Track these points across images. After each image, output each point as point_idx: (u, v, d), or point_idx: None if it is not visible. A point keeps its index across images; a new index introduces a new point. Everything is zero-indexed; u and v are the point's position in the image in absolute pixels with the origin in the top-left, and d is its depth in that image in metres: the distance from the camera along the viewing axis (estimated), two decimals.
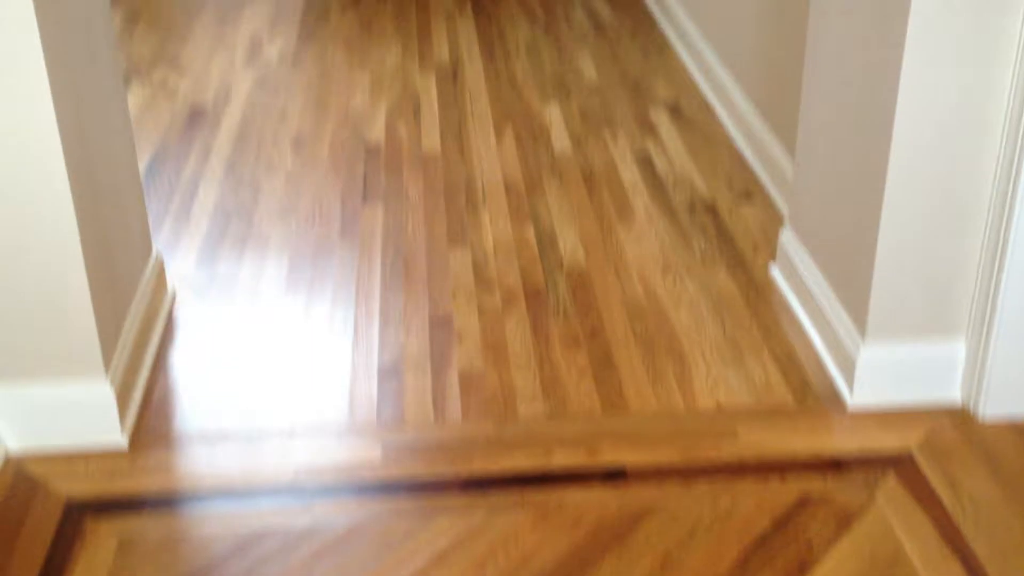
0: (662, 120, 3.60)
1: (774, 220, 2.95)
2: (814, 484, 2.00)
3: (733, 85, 3.51)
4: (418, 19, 4.53)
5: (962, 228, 2.06)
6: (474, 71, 4.01)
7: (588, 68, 4.04)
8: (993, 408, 2.14)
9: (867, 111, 2.09)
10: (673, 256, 2.78)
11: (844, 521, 1.90)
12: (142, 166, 3.25)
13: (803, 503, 1.95)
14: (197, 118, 3.61)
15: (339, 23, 4.47)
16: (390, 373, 2.34)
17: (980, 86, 1.93)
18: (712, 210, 3.01)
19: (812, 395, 2.25)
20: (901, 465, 2.04)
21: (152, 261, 2.50)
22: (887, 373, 2.18)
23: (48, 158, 1.87)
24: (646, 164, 3.29)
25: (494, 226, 2.94)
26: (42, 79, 1.81)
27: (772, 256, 2.75)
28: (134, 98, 3.73)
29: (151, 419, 2.19)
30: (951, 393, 2.20)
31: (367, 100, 3.75)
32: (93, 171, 2.06)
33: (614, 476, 2.03)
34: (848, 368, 2.21)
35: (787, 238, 2.58)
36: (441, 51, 4.20)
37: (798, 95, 2.78)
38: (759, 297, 2.60)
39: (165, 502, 1.97)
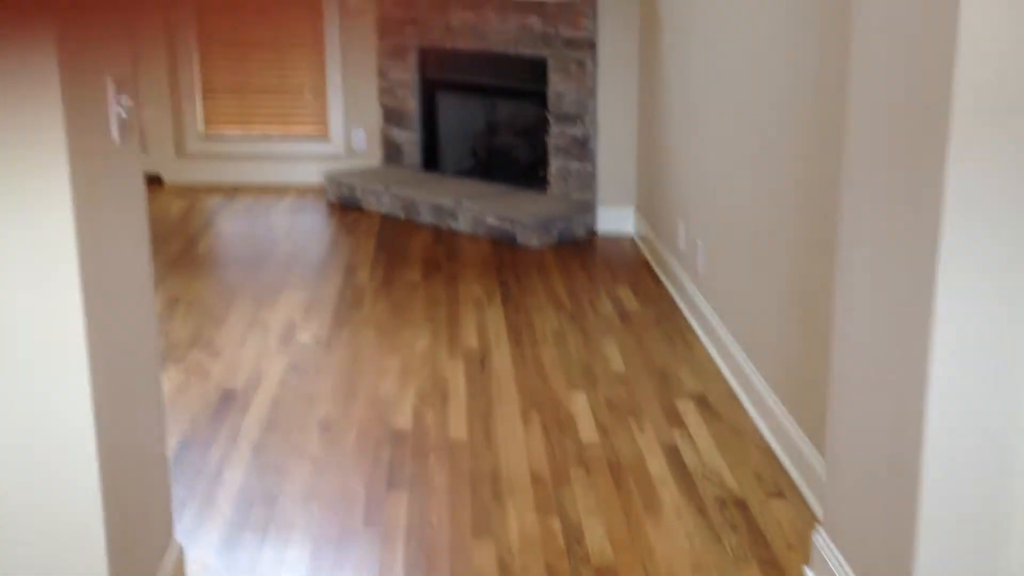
0: (689, 410, 3.61)
1: (806, 518, 2.89)
2: None
3: (758, 378, 3.54)
4: (448, 307, 4.65)
5: (1004, 536, 2.01)
6: (502, 358, 4.08)
7: (614, 356, 4.10)
8: None
9: (898, 415, 2.09)
10: (704, 554, 2.72)
11: None
12: (170, 449, 3.26)
13: None
14: (228, 401, 3.65)
15: (372, 309, 4.60)
16: None
17: (1010, 385, 1.94)
18: (743, 506, 2.97)
19: None
20: None
21: (171, 553, 2.46)
22: None
23: (79, 448, 1.88)
24: (674, 456, 3.27)
25: (519, 518, 2.90)
26: (83, 365, 1.85)
27: (806, 557, 2.68)
28: (168, 380, 3.80)
29: None
30: None
31: (396, 385, 3.80)
32: (123, 460, 2.06)
33: None
34: None
35: (821, 540, 2.52)
36: (470, 338, 4.29)
37: (825, 389, 2.79)
38: None
39: None
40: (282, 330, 4.34)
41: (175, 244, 5.55)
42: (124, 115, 2.03)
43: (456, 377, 3.89)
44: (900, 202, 2.06)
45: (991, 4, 1.77)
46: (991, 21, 1.78)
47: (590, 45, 5.66)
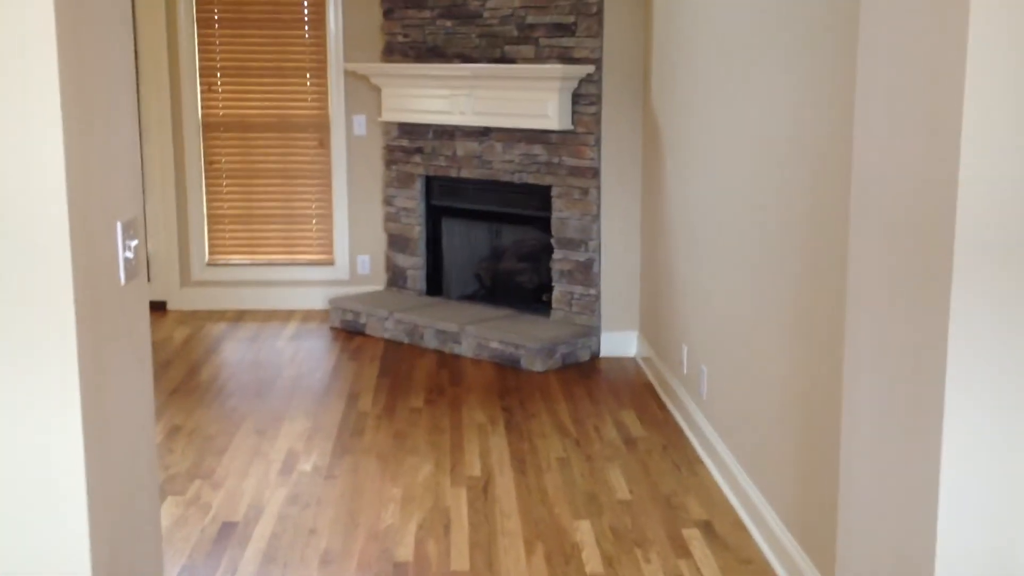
0: (695, 539, 3.54)
1: None
2: None
3: (765, 505, 3.49)
4: (451, 433, 4.62)
5: None
6: (505, 485, 4.03)
7: (619, 484, 4.05)
8: None
9: (908, 547, 2.06)
10: None
11: None
12: None
13: None
14: (227, 534, 3.60)
15: (374, 437, 4.56)
16: None
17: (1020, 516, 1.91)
18: None
19: None
20: None
21: None
22: None
23: None
24: None
25: None
26: (81, 502, 1.83)
27: None
28: (167, 514, 3.75)
29: None
30: None
31: (398, 515, 3.75)
32: None
33: None
34: None
35: None
36: (473, 465, 4.24)
37: (833, 519, 2.75)
38: None
39: None
40: (283, 459, 4.31)
41: (178, 371, 5.55)
42: (132, 256, 2.05)
43: (459, 506, 3.84)
44: (905, 329, 2.06)
45: (992, 143, 1.80)
46: (992, 163, 1.80)
47: (594, 173, 5.75)
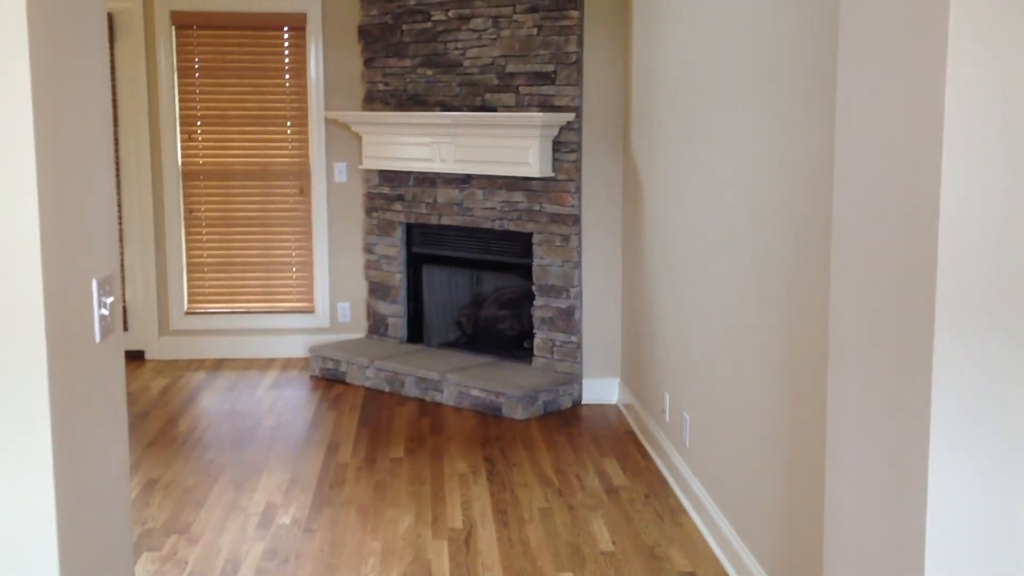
0: None
1: None
2: None
3: (749, 556, 3.45)
4: (432, 483, 4.57)
5: None
6: (487, 537, 3.98)
7: (602, 535, 4.00)
8: None
9: None
10: None
11: None
12: None
13: None
14: None
15: (354, 489, 4.51)
16: None
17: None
18: None
19: None
20: None
21: None
22: None
23: None
24: None
25: None
26: (52, 564, 1.79)
27: None
28: (142, 570, 3.68)
29: None
30: None
31: (378, 569, 3.69)
32: None
33: None
34: None
35: None
36: (454, 516, 4.19)
37: (818, 570, 2.72)
38: None
39: None
40: (262, 512, 4.25)
41: (155, 422, 5.48)
42: (107, 314, 2.02)
43: (440, 559, 3.79)
44: (889, 378, 2.05)
45: (973, 190, 1.80)
46: (973, 209, 1.80)
47: (575, 220, 5.75)
